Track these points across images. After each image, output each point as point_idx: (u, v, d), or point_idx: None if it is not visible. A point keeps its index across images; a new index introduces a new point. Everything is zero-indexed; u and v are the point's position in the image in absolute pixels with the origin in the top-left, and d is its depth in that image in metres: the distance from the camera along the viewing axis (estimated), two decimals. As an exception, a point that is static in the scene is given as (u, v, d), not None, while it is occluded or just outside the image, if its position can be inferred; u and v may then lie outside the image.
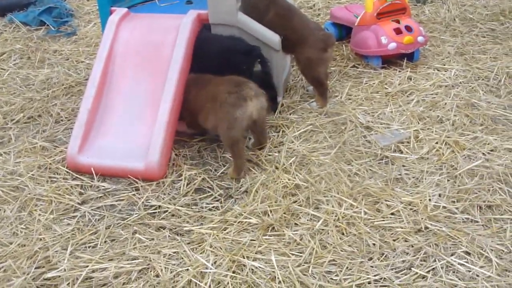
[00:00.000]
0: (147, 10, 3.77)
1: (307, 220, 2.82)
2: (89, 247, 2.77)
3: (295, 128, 3.48)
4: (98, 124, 3.35)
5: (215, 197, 3.03)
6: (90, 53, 4.61)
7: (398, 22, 4.13)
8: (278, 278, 2.49)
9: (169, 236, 2.79)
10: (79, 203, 3.04)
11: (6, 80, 4.29)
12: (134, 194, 3.07)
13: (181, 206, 2.97)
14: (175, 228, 2.83)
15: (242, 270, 2.55)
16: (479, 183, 3.00)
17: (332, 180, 3.04)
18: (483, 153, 3.23)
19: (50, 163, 3.34)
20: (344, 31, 4.52)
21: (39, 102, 3.97)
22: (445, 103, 3.68)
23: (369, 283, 2.48)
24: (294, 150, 3.30)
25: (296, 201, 2.92)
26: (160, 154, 3.14)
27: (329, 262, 2.58)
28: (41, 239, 2.80)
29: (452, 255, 2.60)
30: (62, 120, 3.79)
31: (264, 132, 3.31)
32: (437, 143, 3.32)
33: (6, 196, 3.09)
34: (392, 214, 2.84)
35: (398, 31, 4.06)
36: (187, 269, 2.57)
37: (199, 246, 2.71)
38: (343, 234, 2.73)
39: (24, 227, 2.90)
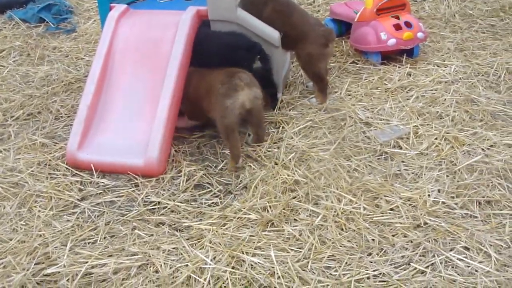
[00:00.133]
0: (146, 6, 3.77)
1: (306, 215, 2.82)
2: (88, 243, 2.78)
3: (295, 124, 3.48)
4: (97, 120, 3.36)
5: (215, 193, 3.03)
6: (89, 49, 4.61)
7: (397, 18, 4.12)
8: (277, 273, 2.49)
9: (168, 232, 2.79)
10: (78, 200, 3.05)
11: (5, 77, 4.29)
12: (133, 190, 3.08)
13: (181, 202, 2.97)
14: (174, 224, 2.84)
15: (241, 266, 2.56)
16: (479, 179, 3.00)
17: (332, 176, 3.04)
18: (483, 149, 3.23)
19: (50, 160, 3.34)
20: (344, 27, 4.52)
21: (38, 99, 3.97)
22: (445, 99, 3.68)
23: (368, 278, 2.48)
24: (293, 146, 3.30)
25: (295, 197, 2.93)
26: (160, 150, 3.14)
27: (328, 257, 2.58)
28: (40, 235, 2.81)
29: (451, 250, 2.60)
30: (61, 116, 3.79)
31: (261, 124, 3.32)
32: (436, 138, 3.32)
33: (5, 193, 3.09)
34: (391, 209, 2.84)
35: (397, 27, 4.05)
36: (187, 265, 2.57)
37: (198, 242, 2.71)
38: (342, 229, 2.73)
39: (24, 223, 2.90)
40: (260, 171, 3.12)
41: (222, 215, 2.85)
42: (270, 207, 2.86)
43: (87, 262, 2.62)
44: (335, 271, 2.52)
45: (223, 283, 2.48)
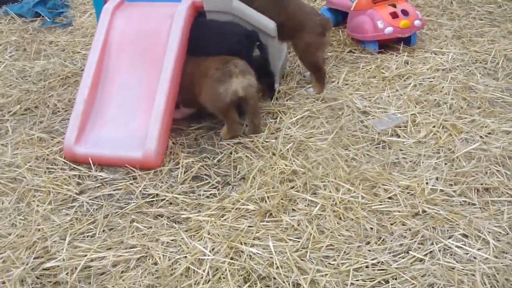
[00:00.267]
0: (141, -2, 3.75)
1: (305, 205, 2.82)
2: (87, 236, 2.78)
3: (292, 114, 3.48)
4: (94, 114, 3.35)
5: (213, 185, 3.03)
6: (86, 43, 4.59)
7: (394, 6, 4.11)
8: (275, 263, 2.49)
9: (167, 224, 2.79)
10: (77, 193, 3.05)
11: (2, 72, 4.27)
12: (131, 183, 3.08)
13: (179, 194, 2.97)
14: (172, 216, 2.84)
15: (240, 256, 2.56)
16: (477, 166, 3.00)
17: (329, 165, 3.04)
18: (481, 136, 3.22)
19: (48, 154, 3.33)
20: (340, 17, 4.50)
21: (35, 93, 3.96)
22: (443, 87, 3.67)
23: (366, 267, 2.48)
24: (291, 136, 3.30)
25: (293, 187, 2.92)
26: (157, 142, 3.14)
27: (326, 247, 2.58)
28: (39, 230, 2.81)
29: (449, 238, 2.61)
30: (59, 111, 3.79)
31: (256, 113, 3.31)
32: (434, 126, 3.31)
33: (4, 188, 3.09)
34: (389, 198, 2.84)
35: (394, 15, 4.04)
36: (185, 256, 2.57)
37: (197, 233, 2.71)
38: (340, 219, 2.73)
39: (23, 218, 2.90)
40: (258, 162, 3.12)
41: (220, 206, 2.85)
42: (268, 198, 2.86)
43: (86, 256, 2.62)
44: (333, 260, 2.52)
45: (222, 274, 2.49)
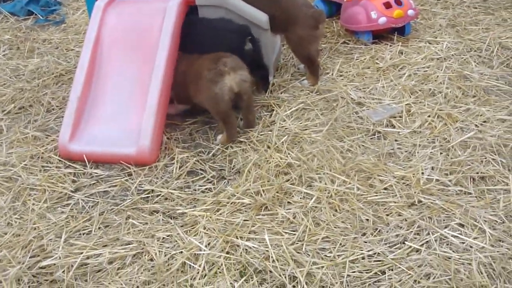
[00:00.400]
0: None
1: (300, 198, 2.81)
2: (83, 234, 2.77)
3: (287, 107, 3.46)
4: (88, 111, 3.34)
5: (208, 179, 3.02)
6: (79, 40, 4.57)
7: (387, -4, 4.09)
8: (272, 257, 2.49)
9: (162, 219, 2.79)
10: (72, 191, 3.04)
11: (-4, 71, 4.27)
12: (127, 180, 3.07)
13: (174, 190, 2.96)
14: (168, 212, 2.83)
15: (236, 251, 2.55)
16: (472, 155, 2.99)
17: (325, 157, 3.03)
18: (476, 125, 3.21)
19: (43, 153, 3.33)
20: (334, 8, 4.49)
21: (29, 92, 3.95)
22: (437, 76, 3.66)
23: (362, 258, 2.48)
24: (286, 128, 3.29)
25: (288, 180, 2.92)
26: (151, 138, 3.13)
27: (322, 239, 2.58)
28: (35, 228, 2.80)
29: (445, 227, 2.60)
30: (53, 109, 3.77)
31: (251, 108, 3.30)
32: (429, 116, 3.30)
33: (-1, 187, 3.09)
34: (385, 189, 2.83)
35: (387, 5, 4.02)
36: (181, 252, 2.57)
37: (193, 228, 2.71)
38: (336, 210, 2.73)
39: (18, 217, 2.90)
40: (253, 155, 3.11)
41: (215, 200, 2.84)
42: (264, 191, 2.85)
43: (82, 253, 2.62)
44: (329, 252, 2.52)
45: (218, 268, 2.48)
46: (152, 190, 2.98)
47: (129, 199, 2.94)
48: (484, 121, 3.24)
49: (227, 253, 2.54)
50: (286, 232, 2.63)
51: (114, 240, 2.69)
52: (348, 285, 2.38)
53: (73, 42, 4.58)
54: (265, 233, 2.61)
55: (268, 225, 2.67)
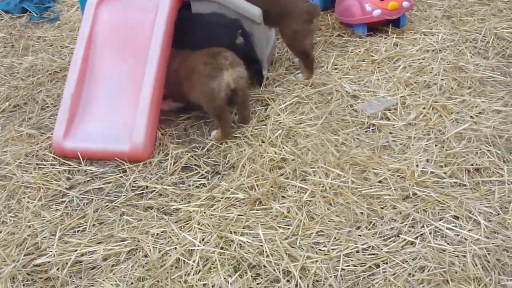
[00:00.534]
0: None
1: (294, 192, 2.80)
2: (78, 231, 2.77)
3: (281, 101, 3.45)
4: (82, 108, 3.33)
5: (202, 174, 3.02)
6: (74, 37, 4.55)
7: (382, -12, 4.06)
8: (266, 251, 2.49)
9: (156, 215, 2.78)
10: (67, 188, 3.03)
11: (-10, 69, 4.26)
12: (121, 176, 3.06)
13: (168, 185, 2.96)
14: (162, 208, 2.83)
15: (230, 246, 2.55)
16: (467, 146, 2.98)
17: (319, 151, 3.02)
18: (471, 116, 3.20)
19: (37, 150, 3.32)
20: (329, 1, 4.45)
21: (24, 90, 3.94)
22: (432, 68, 3.64)
23: (357, 252, 2.47)
24: (280, 123, 3.28)
25: (283, 174, 2.91)
26: (145, 134, 3.12)
27: (316, 233, 2.57)
28: (30, 226, 2.80)
29: (440, 220, 2.59)
30: (48, 106, 3.76)
31: (246, 104, 3.29)
32: (424, 108, 3.29)
33: (-6, 186, 3.09)
34: (379, 182, 2.82)
35: (382, -3, 3.99)
36: (175, 248, 2.57)
37: (187, 224, 2.70)
38: (330, 204, 2.72)
39: (13, 215, 2.89)
40: (247, 150, 3.10)
41: (210, 196, 2.84)
42: (258, 186, 2.84)
43: (76, 250, 2.62)
44: (324, 246, 2.51)
45: (212, 264, 2.48)
46: (147, 187, 2.97)
47: (123, 195, 2.94)
48: (479, 113, 3.23)
49: (221, 248, 2.54)
50: (280, 227, 2.62)
51: (108, 237, 2.69)
52: (342, 279, 2.37)
53: (68, 39, 4.56)
54: (259, 228, 2.60)
55: (262, 220, 2.66)
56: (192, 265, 2.48)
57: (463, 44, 3.89)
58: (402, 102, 3.35)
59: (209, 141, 3.24)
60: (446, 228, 2.54)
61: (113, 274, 2.50)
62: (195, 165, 3.09)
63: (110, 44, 3.40)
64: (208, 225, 2.66)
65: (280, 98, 3.48)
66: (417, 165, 2.88)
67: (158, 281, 2.44)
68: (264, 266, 2.44)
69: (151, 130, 3.17)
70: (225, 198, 2.81)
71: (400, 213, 2.64)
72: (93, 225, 2.79)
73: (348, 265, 2.42)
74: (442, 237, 2.52)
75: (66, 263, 2.57)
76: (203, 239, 2.60)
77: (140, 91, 3.19)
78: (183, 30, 3.36)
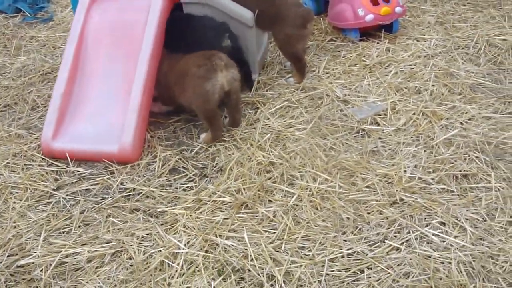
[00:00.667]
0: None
1: (281, 196, 2.79)
2: (63, 232, 2.76)
3: (271, 105, 3.44)
4: (72, 108, 3.32)
5: (190, 177, 3.00)
6: (67, 38, 4.52)
7: (375, -7, 4.06)
8: (250, 255, 2.47)
9: (143, 218, 2.77)
10: (54, 189, 3.02)
11: (-18, 69, 4.25)
12: (109, 178, 3.05)
13: (156, 188, 2.94)
14: (149, 210, 2.81)
15: (215, 249, 2.54)
16: (456, 153, 2.97)
17: (307, 155, 3.01)
18: (461, 122, 3.20)
19: (26, 151, 3.30)
20: (323, 5, 4.46)
21: (15, 89, 3.93)
22: (424, 74, 3.63)
23: (342, 257, 2.46)
24: (269, 126, 3.27)
25: (270, 178, 2.90)
26: (134, 136, 3.11)
27: (302, 237, 2.56)
28: (15, 227, 2.78)
29: (426, 226, 2.58)
30: (38, 107, 3.75)
31: (238, 107, 3.28)
32: (414, 114, 3.28)
33: (-20, 186, 3.07)
34: (367, 187, 2.81)
35: (375, 3, 3.98)
36: (160, 250, 2.55)
37: (172, 226, 2.69)
38: (317, 209, 2.71)
39: (-1, 215, 2.89)
40: (235, 153, 3.09)
41: (196, 199, 2.82)
42: (245, 189, 2.83)
43: (60, 252, 2.61)
44: (309, 251, 2.50)
45: (197, 267, 2.47)
46: (134, 189, 2.96)
47: (110, 197, 2.92)
48: (469, 119, 3.22)
49: (206, 251, 2.53)
50: (266, 231, 2.61)
51: (93, 239, 2.68)
52: (326, 284, 2.36)
53: (61, 40, 4.55)
54: (244, 232, 2.59)
55: (248, 224, 2.65)
56: (176, 268, 2.47)
57: (455, 51, 3.89)
58: (392, 108, 3.35)
59: (197, 144, 3.23)
60: (432, 234, 2.53)
61: (97, 276, 2.49)
62: (183, 167, 3.08)
63: (101, 44, 3.39)
64: (194, 228, 2.65)
65: (270, 101, 3.47)
66: (405, 171, 2.88)
67: (141, 284, 2.42)
68: (248, 270, 2.42)
69: (140, 132, 3.16)
70: (212, 201, 2.80)
71: (387, 218, 2.63)
72: (79, 226, 2.77)
73: (333, 270, 2.41)
74: (428, 243, 2.50)
75: (50, 265, 2.55)
76: (188, 242, 2.58)
77: (130, 92, 3.18)
78: (171, 31, 3.35)
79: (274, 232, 2.59)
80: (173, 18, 3.39)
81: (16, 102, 3.81)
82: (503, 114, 3.24)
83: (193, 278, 2.42)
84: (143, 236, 2.66)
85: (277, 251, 2.50)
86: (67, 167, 3.16)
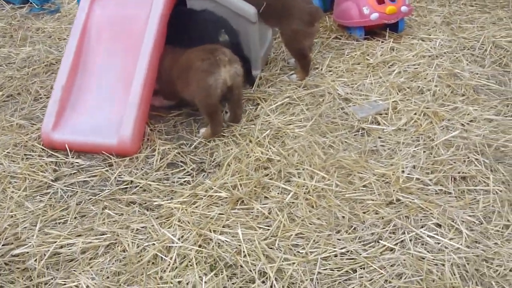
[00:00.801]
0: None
1: (277, 193, 2.78)
2: (59, 223, 2.77)
3: (272, 101, 3.43)
4: (73, 100, 3.32)
5: (188, 172, 3.00)
6: (72, 30, 4.56)
7: (381, -9, 4.04)
8: (243, 251, 2.47)
9: (138, 211, 2.77)
10: (52, 180, 3.03)
11: (-13, 59, 4.27)
12: (107, 170, 3.06)
13: (153, 181, 2.94)
14: (145, 203, 2.82)
15: (208, 244, 2.53)
16: (455, 154, 2.95)
17: (305, 153, 3.00)
18: (462, 124, 3.17)
19: (26, 141, 3.32)
20: (329, 3, 4.43)
21: (18, 80, 3.94)
22: (427, 74, 3.61)
23: (335, 256, 2.45)
24: (269, 123, 3.26)
25: (267, 174, 2.89)
26: (133, 129, 3.11)
27: (296, 235, 2.55)
28: (11, 216, 2.80)
29: (422, 227, 2.57)
30: (41, 97, 3.76)
31: (240, 103, 3.27)
32: (415, 114, 3.26)
33: (-20, 175, 3.09)
34: (364, 186, 2.79)
35: (380, 1, 3.96)
36: (153, 244, 2.56)
37: (167, 220, 2.69)
38: (312, 207, 2.70)
39: (-4, 204, 2.90)
40: (234, 149, 3.08)
41: (193, 193, 2.82)
42: (241, 185, 2.82)
43: (55, 242, 2.61)
44: (302, 248, 2.49)
45: (189, 261, 2.46)
46: (131, 181, 2.96)
47: (107, 189, 2.93)
48: (471, 120, 3.20)
49: (199, 246, 2.53)
50: (260, 227, 2.61)
51: (88, 230, 2.68)
52: (318, 282, 2.35)
53: (66, 32, 4.56)
54: (238, 228, 2.59)
55: (242, 220, 2.65)
56: (169, 261, 2.47)
57: (461, 51, 3.86)
58: (394, 107, 3.32)
59: (197, 139, 3.22)
60: (427, 236, 2.51)
61: (90, 268, 2.50)
62: (181, 162, 3.08)
63: (103, 36, 3.39)
64: (188, 223, 2.65)
65: (272, 98, 3.46)
66: (403, 171, 2.86)
67: (133, 276, 2.43)
68: (241, 266, 2.42)
69: (139, 125, 3.16)
70: (208, 196, 2.79)
71: (382, 218, 2.61)
72: (75, 217, 2.78)
73: (325, 269, 2.39)
74: (423, 244, 2.49)
75: (44, 255, 2.56)
76: (182, 236, 2.58)
77: (131, 85, 3.18)
78: (171, 24, 3.35)
79: (269, 229, 2.58)
80: (173, 12, 3.38)
81: (19, 93, 3.83)
82: (506, 117, 3.21)
83: (185, 273, 2.42)
84: (137, 229, 2.66)
85: (270, 248, 2.49)
86: (66, 158, 3.17)
